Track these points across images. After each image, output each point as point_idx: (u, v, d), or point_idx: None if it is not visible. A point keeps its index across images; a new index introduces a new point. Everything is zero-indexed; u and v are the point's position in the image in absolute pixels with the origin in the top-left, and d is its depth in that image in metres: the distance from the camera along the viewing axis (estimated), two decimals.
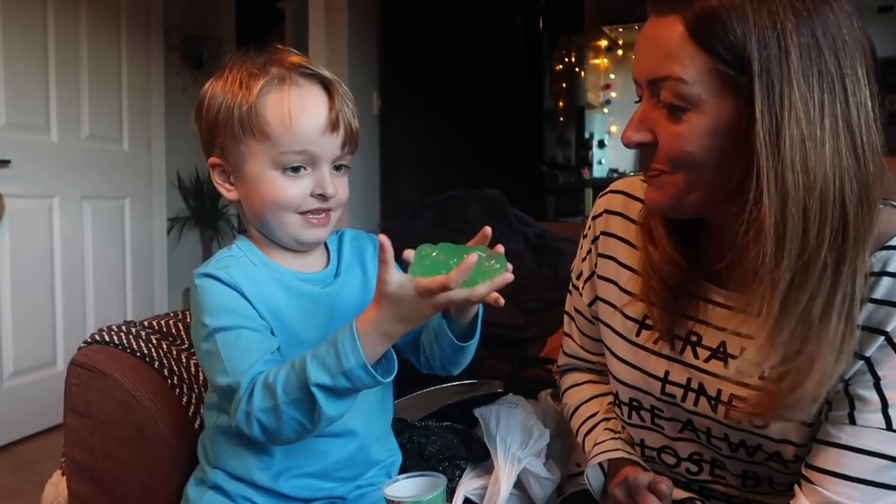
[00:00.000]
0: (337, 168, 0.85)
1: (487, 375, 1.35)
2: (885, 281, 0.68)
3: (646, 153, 0.73)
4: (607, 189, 0.96)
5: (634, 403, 0.89)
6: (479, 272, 0.71)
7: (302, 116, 0.80)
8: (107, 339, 1.05)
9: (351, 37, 3.11)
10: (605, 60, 4.68)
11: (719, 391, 0.78)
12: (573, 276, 1.01)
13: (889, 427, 0.68)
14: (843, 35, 0.64)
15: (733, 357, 0.77)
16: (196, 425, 1.02)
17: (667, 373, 0.83)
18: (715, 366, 0.79)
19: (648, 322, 0.85)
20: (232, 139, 0.82)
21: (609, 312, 0.91)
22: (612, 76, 4.70)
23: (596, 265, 0.93)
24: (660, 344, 0.84)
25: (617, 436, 0.94)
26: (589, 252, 0.96)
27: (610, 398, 0.98)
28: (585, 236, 0.97)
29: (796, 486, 0.75)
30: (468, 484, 1.02)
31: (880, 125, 0.66)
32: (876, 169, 0.65)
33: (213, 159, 0.86)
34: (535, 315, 1.48)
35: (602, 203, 0.94)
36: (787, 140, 0.62)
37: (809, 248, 0.63)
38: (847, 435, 0.70)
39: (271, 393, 0.75)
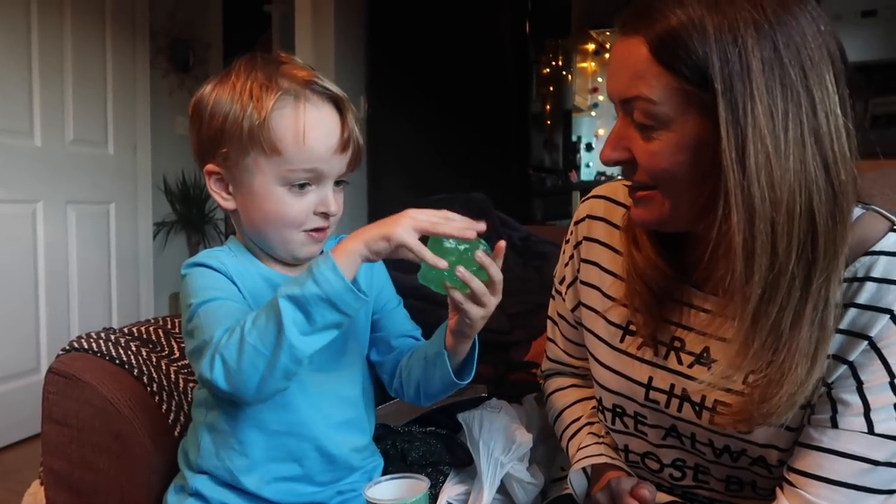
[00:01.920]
0: (337, 184, 0.85)
1: (472, 380, 1.34)
2: (869, 286, 0.68)
3: (626, 168, 0.74)
4: (590, 194, 0.95)
5: (618, 409, 0.88)
6: (466, 260, 0.74)
7: (315, 136, 0.80)
8: (85, 346, 1.04)
9: (338, 40, 3.10)
10: (593, 64, 4.69)
11: (703, 397, 0.78)
12: (556, 281, 1.01)
13: (871, 431, 0.68)
14: (808, 43, 0.63)
15: (716, 362, 0.77)
16: (176, 433, 1.01)
17: (650, 379, 0.83)
18: (699, 371, 0.79)
19: (632, 328, 0.85)
20: (238, 151, 0.81)
21: (592, 318, 0.91)
22: (599, 80, 4.71)
23: (579, 270, 0.93)
24: (643, 350, 0.83)
25: (601, 440, 0.94)
26: (571, 257, 0.96)
27: (594, 402, 0.98)
28: (568, 241, 0.97)
29: (778, 490, 0.75)
30: (451, 490, 1.01)
31: (853, 130, 0.66)
32: (848, 176, 0.65)
33: (211, 167, 0.85)
34: (520, 319, 1.47)
35: (585, 208, 0.94)
36: (752, 156, 0.62)
37: (779, 262, 0.64)
38: (829, 438, 0.70)
39: (239, 329, 0.73)
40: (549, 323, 1.04)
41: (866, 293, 0.68)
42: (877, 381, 0.68)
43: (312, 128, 0.80)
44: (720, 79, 0.62)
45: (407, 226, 0.72)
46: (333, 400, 0.88)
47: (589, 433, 0.95)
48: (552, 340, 1.03)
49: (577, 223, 0.95)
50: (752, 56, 0.62)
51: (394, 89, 3.21)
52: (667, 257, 0.79)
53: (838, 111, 0.64)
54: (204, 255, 0.85)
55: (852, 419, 0.69)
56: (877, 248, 0.69)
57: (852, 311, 0.69)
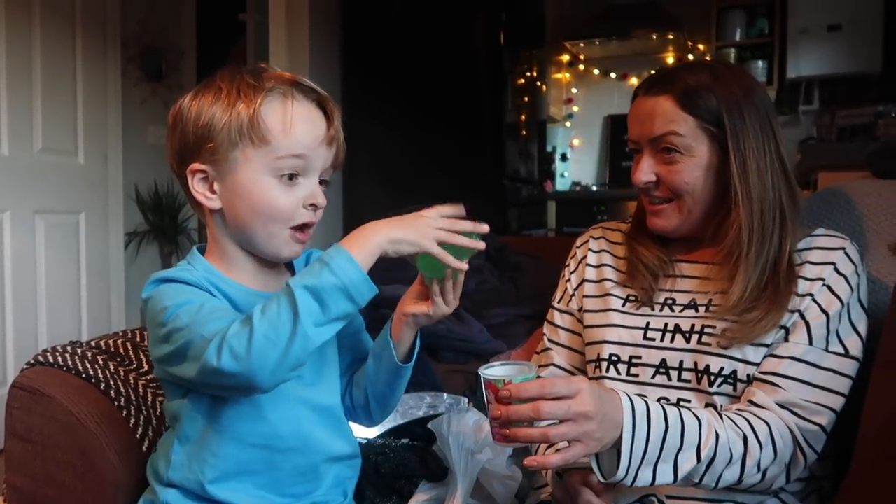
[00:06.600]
0: (321, 182, 0.87)
1: (450, 390, 1.35)
2: (815, 252, 1.01)
3: (652, 187, 1.04)
4: (587, 229, 1.23)
5: (614, 358, 1.04)
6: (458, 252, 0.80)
7: (303, 127, 0.83)
8: (50, 360, 1.02)
9: (313, 50, 3.09)
10: (567, 75, 4.71)
11: (692, 325, 1.01)
12: (554, 303, 1.19)
13: (826, 349, 0.96)
14: (763, 96, 1.02)
15: (703, 306, 1.03)
16: (144, 448, 0.99)
17: (647, 323, 1.05)
18: (688, 313, 1.03)
19: (631, 298, 1.08)
20: (227, 144, 0.82)
21: (597, 301, 1.12)
22: (573, 90, 4.74)
23: (585, 274, 1.16)
24: (642, 309, 1.06)
25: None
26: (574, 271, 1.18)
27: None
28: (567, 266, 1.20)
29: (751, 388, 0.95)
30: (424, 494, 1.01)
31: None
32: (793, 178, 1.02)
33: (195, 165, 0.84)
34: (498, 330, 1.48)
35: (586, 234, 1.22)
36: (750, 170, 0.98)
37: (767, 234, 0.98)
38: (803, 351, 0.95)
39: (247, 318, 0.73)
40: (546, 353, 1.16)
41: (815, 255, 1.01)
42: (832, 308, 0.96)
43: (300, 119, 0.83)
44: (728, 121, 0.98)
45: (432, 236, 0.78)
46: (312, 410, 0.88)
47: None
48: (552, 364, 1.15)
49: (578, 246, 1.21)
50: (744, 107, 0.99)
51: (369, 99, 3.21)
52: (661, 248, 1.09)
53: (782, 137, 1.02)
54: (172, 271, 0.83)
55: (817, 336, 0.96)
56: (814, 233, 1.04)
57: (808, 266, 1.00)
